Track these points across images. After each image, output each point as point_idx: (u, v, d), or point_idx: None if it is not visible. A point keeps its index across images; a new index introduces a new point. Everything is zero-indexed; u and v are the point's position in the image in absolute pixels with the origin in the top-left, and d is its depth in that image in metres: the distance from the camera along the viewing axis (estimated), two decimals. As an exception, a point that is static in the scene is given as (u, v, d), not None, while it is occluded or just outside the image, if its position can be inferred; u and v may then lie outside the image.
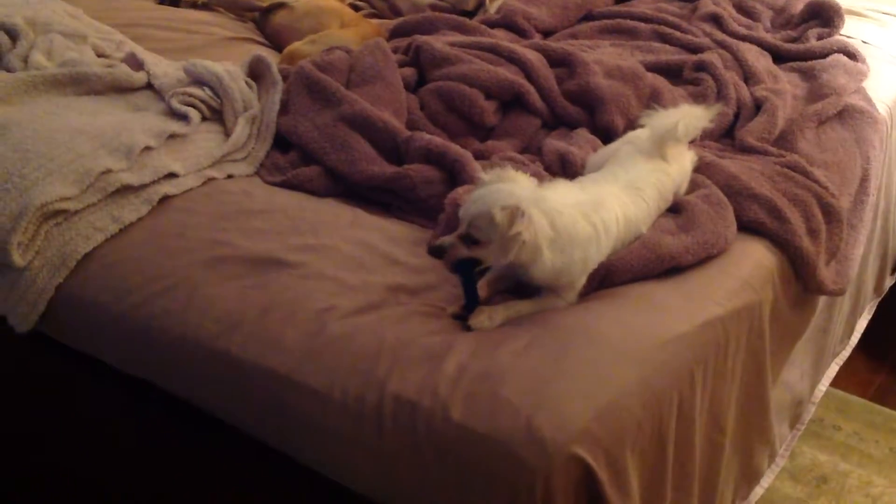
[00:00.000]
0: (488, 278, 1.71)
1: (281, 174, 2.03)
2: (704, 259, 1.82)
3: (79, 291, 1.74)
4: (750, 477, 2.07)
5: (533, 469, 1.38)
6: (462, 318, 1.64)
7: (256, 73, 2.23)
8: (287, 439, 1.58)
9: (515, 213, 1.55)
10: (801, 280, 2.01)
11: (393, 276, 1.73)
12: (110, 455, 1.85)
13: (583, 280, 1.71)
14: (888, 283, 2.88)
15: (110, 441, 1.84)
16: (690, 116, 1.91)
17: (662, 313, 1.67)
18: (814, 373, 2.38)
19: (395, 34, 2.69)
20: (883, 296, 2.86)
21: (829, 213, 2.06)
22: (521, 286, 1.73)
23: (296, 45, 2.61)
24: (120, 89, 2.16)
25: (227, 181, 1.99)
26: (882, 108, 2.51)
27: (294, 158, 2.07)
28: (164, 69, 2.21)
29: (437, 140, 2.02)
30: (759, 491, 2.15)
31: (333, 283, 1.68)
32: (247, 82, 2.17)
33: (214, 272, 1.71)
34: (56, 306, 1.75)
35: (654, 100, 2.29)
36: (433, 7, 2.95)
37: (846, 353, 2.63)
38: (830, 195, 2.08)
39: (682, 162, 1.96)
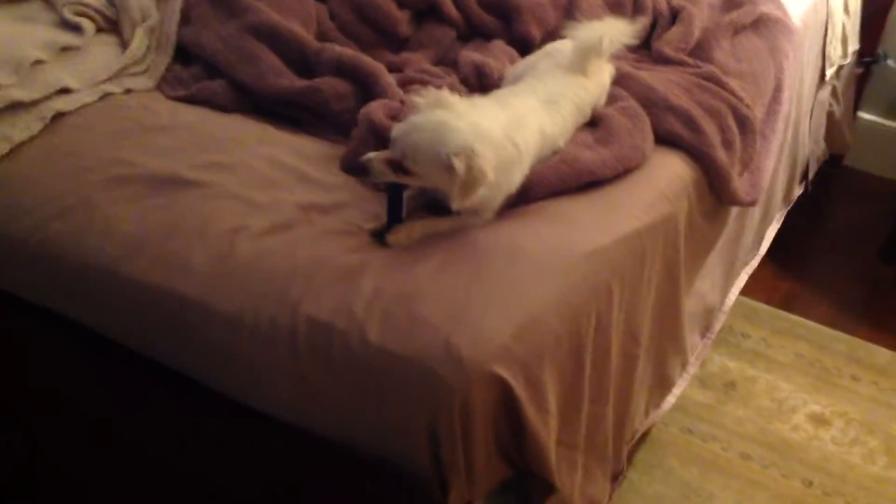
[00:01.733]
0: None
1: (184, 88, 1.94)
2: (622, 173, 1.81)
3: (-32, 216, 1.64)
4: (663, 385, 2.11)
5: (451, 388, 1.36)
6: (380, 236, 1.60)
7: (153, -20, 2.11)
8: (199, 366, 1.53)
9: (472, 157, 1.49)
10: (715, 191, 2.02)
11: (305, 193, 1.67)
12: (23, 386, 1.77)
13: (502, 199, 1.67)
14: (797, 192, 2.92)
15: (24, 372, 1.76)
16: (614, 31, 1.87)
17: (580, 228, 1.66)
18: (724, 282, 2.41)
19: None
20: (791, 205, 2.91)
21: (744, 124, 2.05)
22: (435, 203, 1.69)
23: None
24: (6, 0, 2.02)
25: (126, 96, 1.88)
26: (795, 17, 2.51)
27: (197, 72, 1.97)
28: (55, -23, 2.06)
29: (349, 52, 1.94)
30: (671, 399, 2.19)
31: (242, 203, 1.62)
32: (143, -9, 2.05)
33: (114, 192, 1.62)
34: (-55, 231, 1.65)
35: (571, 8, 2.23)
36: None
37: (755, 262, 2.67)
38: (745, 106, 2.07)
39: (601, 76, 1.92)
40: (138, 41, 1.93)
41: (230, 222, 1.57)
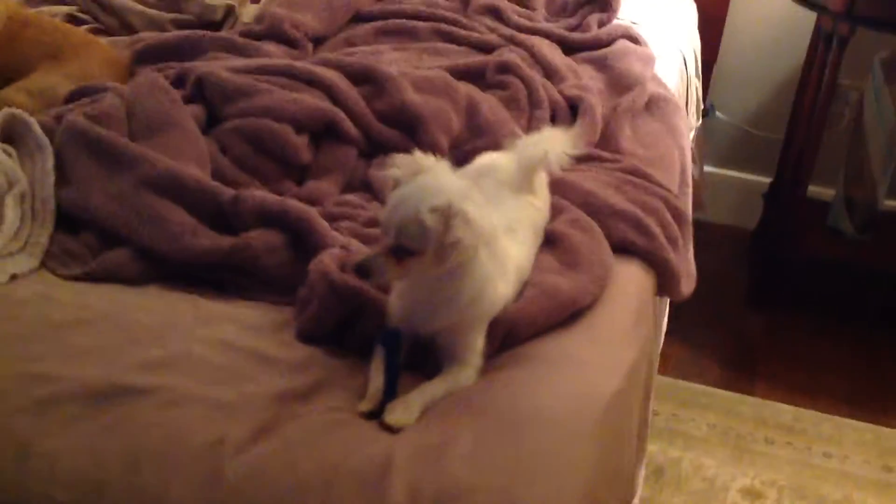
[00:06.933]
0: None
1: (79, 264, 1.61)
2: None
3: None
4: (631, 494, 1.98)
5: None
6: (377, 415, 1.37)
7: (11, 135, 1.75)
8: None
9: (449, 213, 1.33)
10: (665, 290, 1.92)
11: (273, 379, 1.41)
12: None
13: (482, 337, 1.49)
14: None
15: None
16: (557, 143, 1.73)
17: (590, 371, 1.49)
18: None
19: (144, 59, 2.26)
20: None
21: (678, 216, 1.97)
22: (415, 360, 1.48)
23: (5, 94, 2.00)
24: None
25: (15, 286, 1.53)
26: (673, 90, 2.49)
27: (90, 241, 1.64)
28: None
29: (272, 198, 1.68)
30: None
31: (207, 407, 1.33)
32: (3, 149, 1.70)
33: (45, 418, 1.29)
34: None
35: (472, 111, 2.09)
36: (175, 22, 2.51)
37: (661, 339, 2.62)
38: (674, 196, 2.00)
39: (544, 190, 1.79)
40: (12, 214, 1.58)
41: (203, 435, 1.29)
